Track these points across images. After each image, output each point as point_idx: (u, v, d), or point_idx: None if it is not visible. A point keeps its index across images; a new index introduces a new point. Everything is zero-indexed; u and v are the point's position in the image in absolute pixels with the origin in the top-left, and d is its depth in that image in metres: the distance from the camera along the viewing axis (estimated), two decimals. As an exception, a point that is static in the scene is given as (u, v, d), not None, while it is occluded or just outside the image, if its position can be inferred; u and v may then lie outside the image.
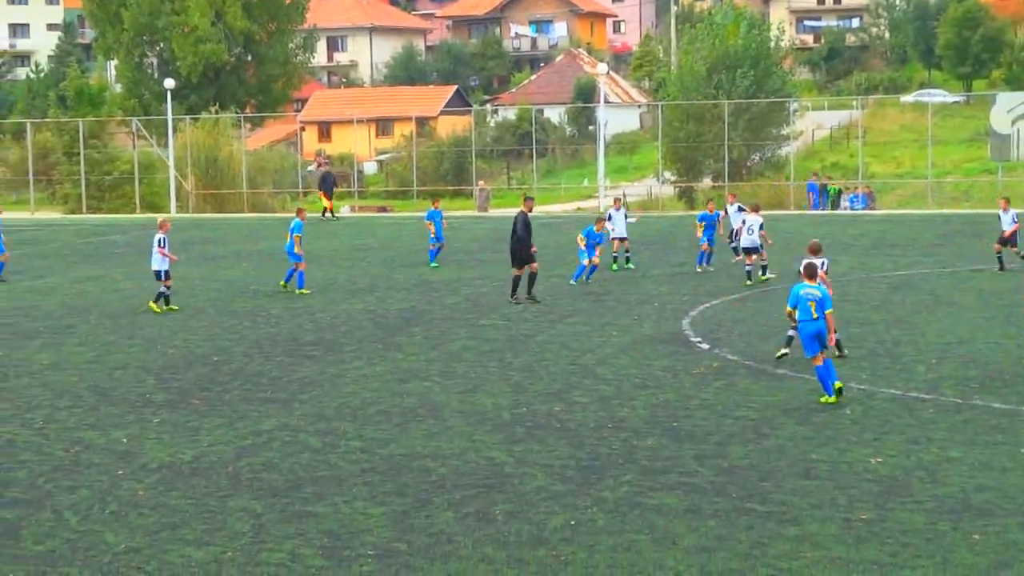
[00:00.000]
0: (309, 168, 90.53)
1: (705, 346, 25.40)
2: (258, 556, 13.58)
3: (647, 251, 42.48)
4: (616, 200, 42.52)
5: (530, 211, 32.29)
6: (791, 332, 23.32)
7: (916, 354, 24.13)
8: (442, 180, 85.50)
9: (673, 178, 76.97)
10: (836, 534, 13.91)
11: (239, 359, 24.91)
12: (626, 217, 40.03)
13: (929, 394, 20.71)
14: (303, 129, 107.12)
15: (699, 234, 37.93)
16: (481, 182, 74.73)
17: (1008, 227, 36.86)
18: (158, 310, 31.20)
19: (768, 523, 14.31)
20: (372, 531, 14.32)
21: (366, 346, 26.12)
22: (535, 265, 31.63)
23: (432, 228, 40.55)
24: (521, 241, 31.18)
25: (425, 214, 42.58)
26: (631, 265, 38.52)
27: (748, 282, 34.32)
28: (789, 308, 20.79)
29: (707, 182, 75.85)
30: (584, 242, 35.38)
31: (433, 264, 40.10)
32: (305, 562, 13.41)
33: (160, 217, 36.85)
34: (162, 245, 31.39)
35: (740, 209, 38.36)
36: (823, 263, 24.17)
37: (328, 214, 61.02)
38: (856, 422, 18.94)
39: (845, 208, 66.53)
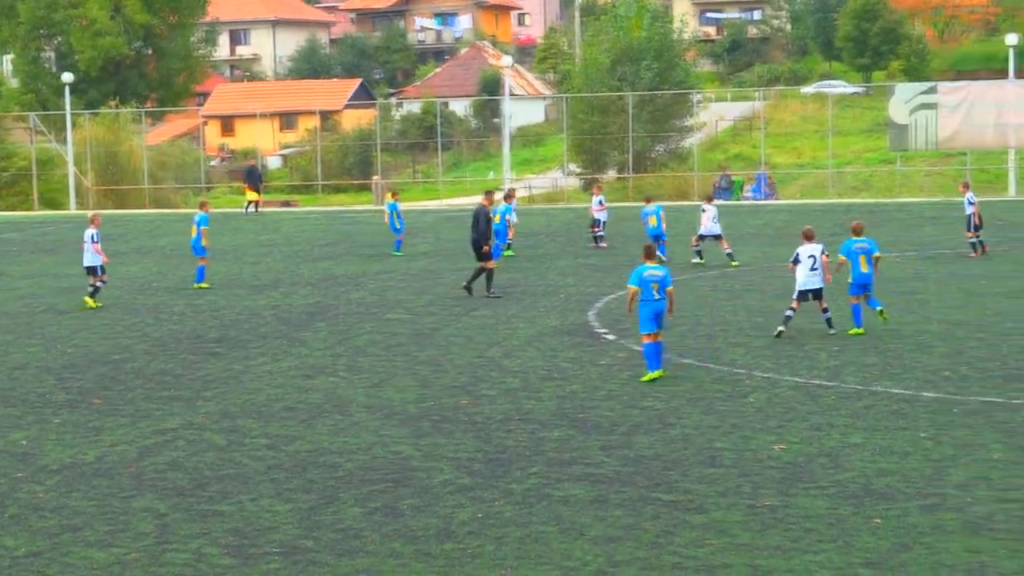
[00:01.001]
0: (212, 162, 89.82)
1: (611, 337, 25.51)
2: (163, 557, 13.46)
3: (553, 243, 42.60)
4: (510, 192, 42.89)
5: (490, 205, 32.23)
6: (790, 312, 24.85)
7: (818, 341, 24.39)
8: (347, 174, 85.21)
9: (578, 170, 77.21)
10: (741, 521, 14.03)
11: (141, 357, 24.67)
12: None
13: (831, 381, 20.95)
14: (205, 123, 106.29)
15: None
16: (376, 176, 74.45)
17: (968, 210, 37.55)
18: (93, 304, 31.00)
19: (674, 512, 14.41)
20: (278, 528, 14.25)
21: (271, 342, 25.98)
22: (491, 263, 31.37)
23: (388, 219, 41.61)
24: (482, 236, 31.03)
25: (385, 206, 43.41)
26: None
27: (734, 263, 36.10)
28: (631, 287, 21.26)
29: (612, 174, 76.19)
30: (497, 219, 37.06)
31: (397, 252, 40.87)
32: (211, 561, 13.31)
33: (91, 212, 36.50)
34: (95, 240, 31.33)
35: (600, 202, 41.05)
36: (821, 249, 25.13)
37: (252, 207, 60.76)
38: (760, 410, 19.11)
39: (747, 198, 67.05)
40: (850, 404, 19.34)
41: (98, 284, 31.54)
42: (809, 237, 25.35)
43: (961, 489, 14.93)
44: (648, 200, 37.90)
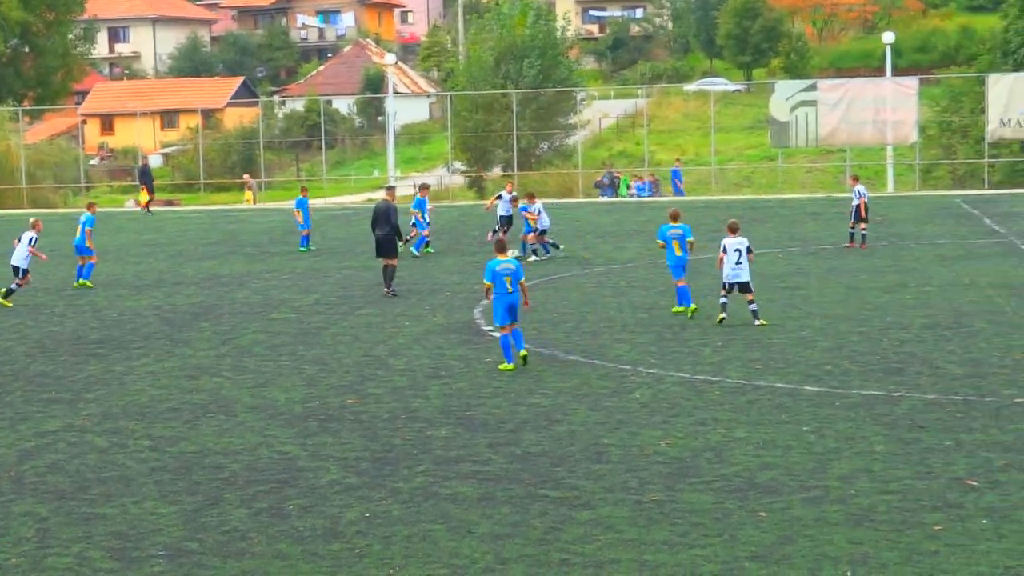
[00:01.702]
0: (92, 161, 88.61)
1: (497, 335, 25.49)
2: (44, 561, 13.25)
3: (438, 241, 42.53)
4: (423, 188, 42.89)
5: (393, 200, 32.08)
6: (724, 299, 25.69)
7: (702, 337, 24.60)
8: (230, 173, 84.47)
9: (463, 168, 77.27)
10: (628, 516, 14.10)
11: (21, 359, 24.28)
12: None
13: (716, 376, 21.14)
14: (84, 122, 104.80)
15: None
16: (246, 176, 73.90)
17: (857, 202, 38.22)
18: (8, 304, 30.88)
19: (561, 508, 14.45)
20: (163, 531, 14.08)
21: (154, 343, 25.68)
22: (394, 261, 31.15)
23: (300, 216, 41.76)
24: (395, 231, 30.76)
25: (294, 202, 43.45)
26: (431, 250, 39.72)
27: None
28: (486, 282, 21.91)
29: (497, 171, 76.35)
30: (419, 214, 38.51)
31: (303, 249, 41.14)
32: (93, 565, 13.12)
33: (32, 217, 36.42)
34: (32, 244, 31.50)
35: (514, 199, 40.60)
36: (747, 243, 25.95)
37: (146, 208, 60.15)
38: (646, 405, 19.24)
39: (632, 195, 67.45)
40: (734, 399, 19.53)
41: (16, 286, 31.35)
42: (734, 230, 26.03)
43: (844, 481, 15.13)
44: (531, 197, 37.72)
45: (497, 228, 40.43)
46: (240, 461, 16.78)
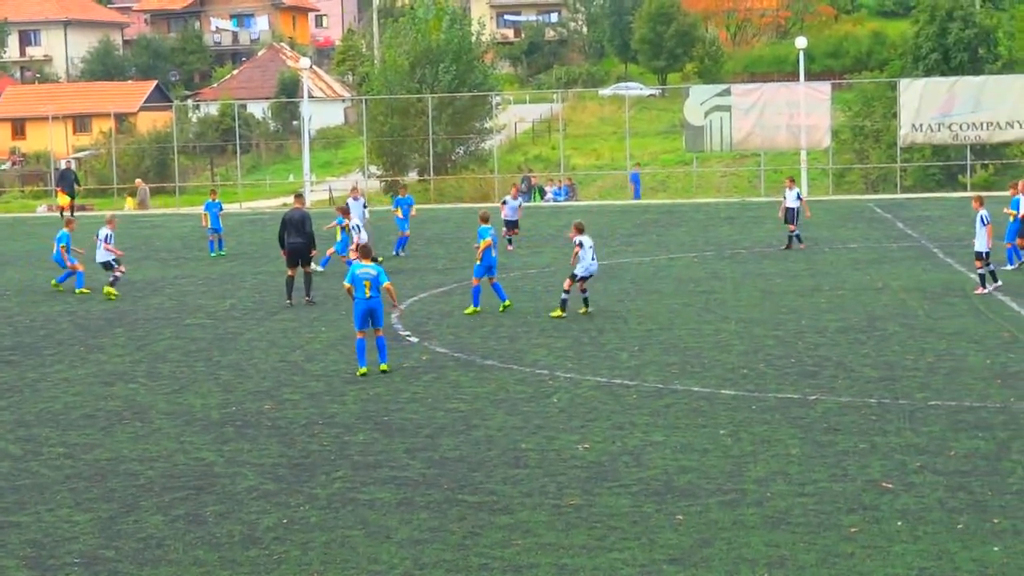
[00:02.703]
0: (3, 166, 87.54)
1: (414, 340, 25.51)
2: (-43, 570, 13.08)
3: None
4: (353, 189, 42.95)
5: (303, 207, 31.91)
6: (566, 295, 27.36)
7: (619, 342, 24.71)
8: (143, 177, 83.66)
9: (379, 172, 77.12)
10: (546, 520, 14.13)
11: (-68, 366, 23.94)
12: (364, 207, 40.73)
13: (633, 380, 21.23)
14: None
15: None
16: (139, 180, 73.24)
17: (792, 204, 38.63)
18: (116, 294, 32.14)
19: (480, 513, 14.46)
20: (78, 539, 13.94)
21: (67, 349, 25.41)
22: (311, 267, 30.89)
23: (208, 219, 41.66)
24: (310, 240, 30.40)
25: (203, 206, 43.39)
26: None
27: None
28: (346, 284, 22.20)
29: (413, 176, 76.26)
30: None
31: (213, 254, 41.10)
32: (8, 574, 12.96)
33: (108, 213, 38.86)
34: (108, 241, 32.79)
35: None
36: (585, 242, 27.38)
37: (66, 212, 59.31)
38: (563, 410, 19.28)
39: (548, 200, 67.60)
40: (651, 403, 19.62)
41: (118, 275, 32.79)
42: (581, 229, 27.68)
43: (760, 484, 15.25)
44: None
45: (506, 232, 40.70)
46: (156, 468, 16.65)
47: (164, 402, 20.51)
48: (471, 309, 28.45)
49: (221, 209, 42.70)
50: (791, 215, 39.11)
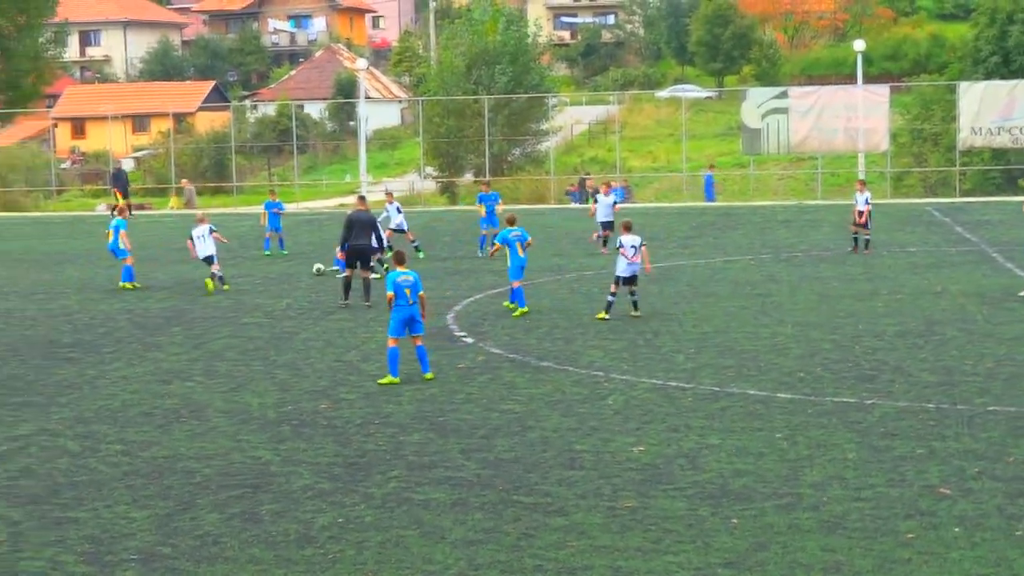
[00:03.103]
0: (63, 165, 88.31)
1: (469, 340, 25.54)
2: (16, 565, 13.19)
3: (410, 246, 42.47)
4: (388, 194, 43.02)
5: (367, 209, 31.76)
6: (610, 298, 27.44)
7: (675, 344, 24.64)
8: (201, 177, 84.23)
9: (435, 173, 77.24)
10: (601, 523, 14.11)
11: (-8, 363, 24.18)
12: (399, 211, 40.79)
13: (688, 383, 21.17)
14: (55, 125, 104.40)
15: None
16: (185, 180, 73.60)
17: (863, 207, 38.54)
18: (227, 287, 33.60)
19: (534, 514, 14.45)
20: (135, 535, 14.04)
21: (126, 347, 25.60)
22: (371, 274, 30.74)
23: (266, 217, 42.17)
24: (380, 243, 30.34)
25: (262, 205, 43.49)
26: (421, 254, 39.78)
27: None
28: (389, 294, 21.60)
29: (468, 177, 76.34)
30: (485, 209, 39.89)
31: (267, 252, 41.67)
32: (66, 569, 13.07)
33: (200, 212, 40.35)
34: (214, 230, 34.21)
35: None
36: (641, 240, 27.70)
37: (120, 211, 59.77)
38: (618, 412, 19.25)
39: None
40: (707, 406, 19.56)
41: (216, 271, 33.90)
42: (628, 228, 27.74)
43: (816, 488, 15.17)
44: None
45: (600, 234, 40.38)
46: (212, 466, 16.75)
47: (221, 400, 20.62)
48: (519, 311, 28.44)
49: (282, 209, 42.90)
50: (861, 217, 38.80)
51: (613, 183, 68.62)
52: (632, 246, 27.36)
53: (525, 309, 28.47)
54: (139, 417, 19.61)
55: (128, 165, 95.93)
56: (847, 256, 37.97)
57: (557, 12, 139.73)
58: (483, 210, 40.37)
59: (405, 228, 40.32)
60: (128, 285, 34.24)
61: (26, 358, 24.58)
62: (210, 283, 33.54)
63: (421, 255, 39.29)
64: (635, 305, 27.65)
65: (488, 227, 39.98)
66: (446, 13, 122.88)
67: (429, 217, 57.17)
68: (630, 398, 20.19)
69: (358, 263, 30.21)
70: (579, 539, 13.61)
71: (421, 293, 21.59)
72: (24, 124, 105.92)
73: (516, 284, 28.53)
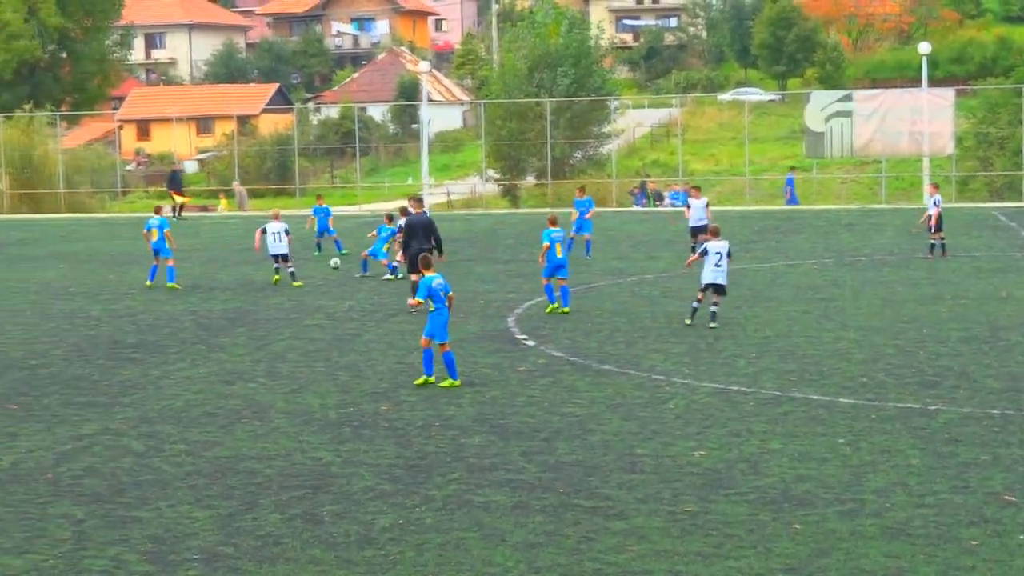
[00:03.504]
0: (128, 167, 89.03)
1: (531, 343, 25.54)
2: (80, 563, 13.31)
3: (472, 249, 42.60)
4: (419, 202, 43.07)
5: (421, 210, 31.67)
6: (696, 304, 26.88)
7: (737, 348, 24.55)
8: (264, 179, 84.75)
9: (496, 176, 77.32)
10: (661, 527, 14.08)
11: (58, 362, 24.40)
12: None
13: (750, 387, 21.08)
14: (121, 127, 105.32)
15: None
16: (236, 182, 73.93)
17: (932, 211, 38.40)
18: (299, 284, 34.84)
19: (595, 518, 14.43)
20: (198, 535, 14.13)
21: (189, 347, 25.78)
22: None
23: (315, 223, 42.44)
24: (439, 245, 30.30)
25: (311, 210, 43.58)
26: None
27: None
28: (419, 299, 21.61)
29: (530, 180, 76.38)
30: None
31: (316, 254, 41.90)
32: (129, 568, 13.17)
33: (272, 210, 41.36)
34: (289, 233, 35.35)
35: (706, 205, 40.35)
36: (727, 247, 26.77)
37: (177, 212, 60.28)
38: (679, 416, 19.20)
39: (666, 205, 67.37)
40: (769, 410, 19.47)
41: (292, 270, 35.31)
42: (716, 234, 27.07)
43: (879, 495, 15.06)
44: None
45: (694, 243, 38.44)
46: (274, 466, 16.83)
47: (283, 401, 20.73)
48: (549, 307, 29.09)
49: (329, 214, 43.02)
50: (931, 221, 38.51)
51: (675, 187, 68.44)
52: (717, 252, 26.53)
53: (555, 305, 29.11)
54: (202, 417, 19.75)
55: (192, 167, 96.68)
56: (911, 260, 37.71)
57: (620, 14, 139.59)
58: (576, 214, 40.40)
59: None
60: (173, 285, 34.62)
61: (91, 358, 24.80)
62: (277, 276, 34.98)
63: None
64: (713, 316, 26.67)
65: (579, 232, 39.99)
66: (508, 16, 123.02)
67: (491, 220, 57.23)
68: (691, 402, 20.13)
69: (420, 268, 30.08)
70: (639, 543, 13.58)
71: (451, 294, 21.73)
72: (90, 126, 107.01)
73: (563, 282, 29.05)
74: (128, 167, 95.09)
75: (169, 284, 34.67)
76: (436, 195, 74.65)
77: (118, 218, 65.85)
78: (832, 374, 22.04)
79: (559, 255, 28.64)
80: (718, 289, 26.73)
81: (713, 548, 13.37)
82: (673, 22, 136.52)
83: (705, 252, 26.77)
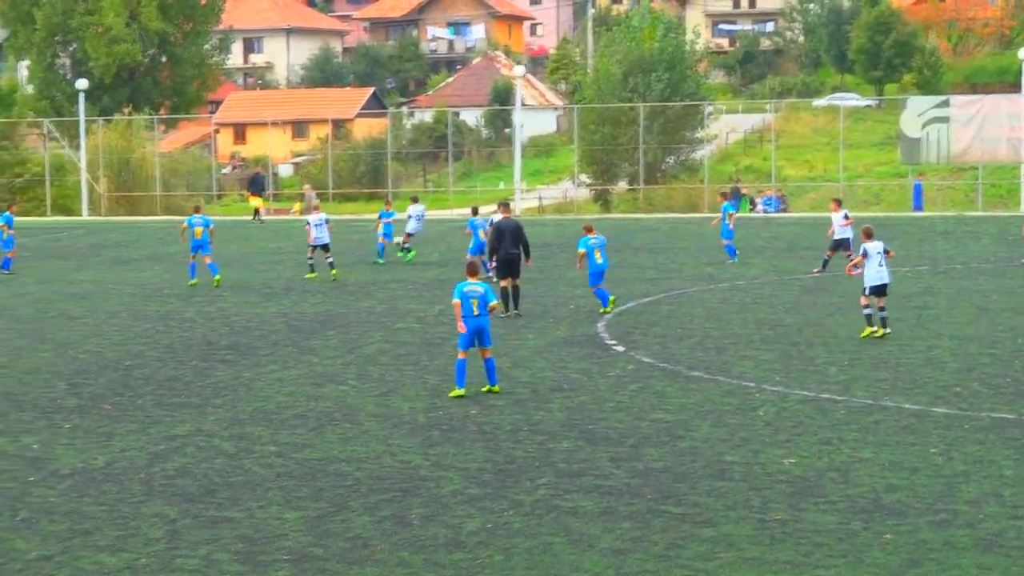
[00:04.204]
0: (224, 170, 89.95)
1: (620, 349, 25.50)
2: (173, 562, 13.47)
3: (563, 254, 42.55)
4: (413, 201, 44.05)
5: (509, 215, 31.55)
6: (868, 310, 26.12)
7: (828, 356, 24.35)
8: (358, 183, 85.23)
9: (589, 181, 77.20)
10: (750, 535, 14.00)
11: (152, 363, 24.70)
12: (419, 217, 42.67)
13: (841, 395, 20.91)
14: (218, 131, 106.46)
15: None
16: (307, 186, 74.20)
17: None
18: (335, 272, 37.35)
19: (683, 524, 14.39)
20: (288, 536, 14.25)
21: (281, 349, 25.99)
22: (518, 279, 30.46)
23: (382, 226, 41.84)
24: (527, 250, 30.28)
25: (377, 214, 43.31)
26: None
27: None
28: (455, 300, 21.39)
29: (623, 185, 76.19)
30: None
31: (380, 261, 41.67)
32: (221, 568, 13.32)
33: (315, 201, 44.86)
34: (329, 221, 37.78)
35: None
36: (870, 249, 25.98)
37: (257, 216, 60.75)
38: (769, 424, 19.08)
39: (759, 211, 66.95)
40: (860, 419, 19.30)
41: (331, 260, 37.48)
42: (869, 234, 26.33)
43: (972, 506, 14.89)
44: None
45: (828, 256, 36.86)
46: (364, 469, 16.93)
47: (373, 404, 20.84)
48: (609, 306, 29.87)
49: (394, 217, 43.11)
50: None
51: (767, 192, 67.91)
52: (877, 252, 25.92)
53: (612, 299, 30.09)
54: (293, 419, 19.91)
55: (287, 170, 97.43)
56: (1007, 268, 37.21)
57: (716, 19, 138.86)
58: (720, 220, 40.63)
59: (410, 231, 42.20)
60: (216, 279, 36.14)
61: (184, 360, 25.08)
62: (336, 272, 37.06)
63: (409, 257, 41.67)
64: (884, 322, 25.97)
65: (728, 238, 40.14)
66: (604, 20, 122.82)
67: (583, 225, 57.07)
68: (781, 409, 20.00)
69: (509, 272, 30.04)
70: (728, 551, 13.52)
71: (492, 304, 21.38)
72: (188, 129, 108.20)
73: (594, 289, 29.97)
74: (224, 171, 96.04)
75: (216, 277, 36.19)
76: (528, 200, 74.67)
77: (214, 221, 66.38)
78: (925, 383, 21.80)
79: (599, 260, 29.55)
80: (881, 290, 26.00)
81: (803, 557, 13.29)
82: (770, 27, 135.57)
83: (865, 254, 26.04)
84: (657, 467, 16.77)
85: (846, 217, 37.04)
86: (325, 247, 37.37)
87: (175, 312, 31.47)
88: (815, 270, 36.81)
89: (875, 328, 25.96)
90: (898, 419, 19.24)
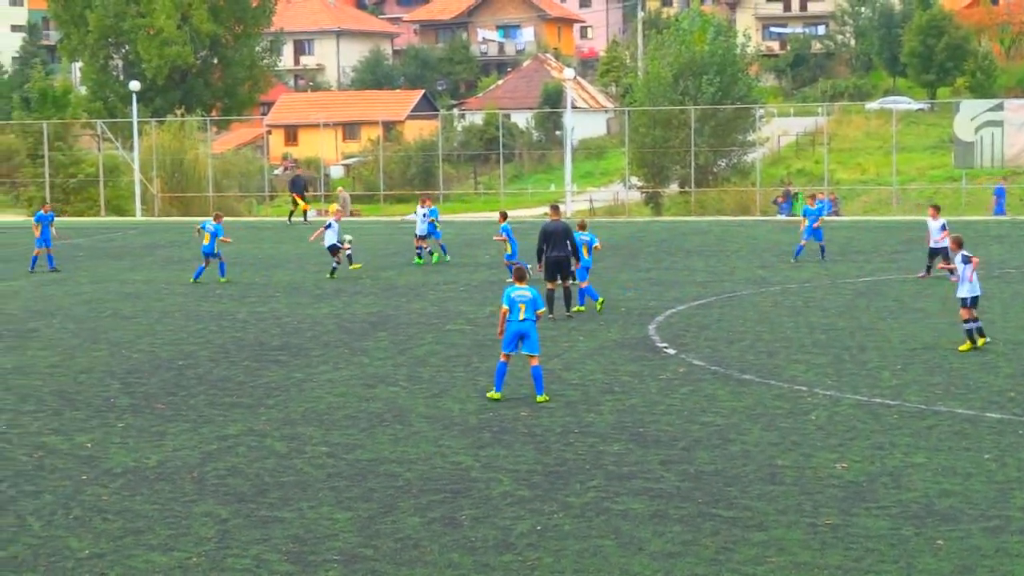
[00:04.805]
0: (275, 172, 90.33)
1: (671, 351, 25.44)
2: (224, 562, 13.54)
3: (614, 256, 42.54)
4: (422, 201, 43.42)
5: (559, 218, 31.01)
6: (969, 324, 25.05)
7: (881, 360, 24.22)
8: (409, 184, 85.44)
9: (640, 183, 77.12)
10: (801, 539, 13.95)
11: (204, 364, 24.84)
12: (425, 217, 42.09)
13: (894, 400, 20.79)
14: (269, 133, 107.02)
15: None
16: (340, 188, 74.24)
17: None
18: (357, 266, 39.47)
19: (734, 528, 14.34)
20: (338, 536, 14.29)
21: (332, 351, 26.08)
22: (570, 281, 30.16)
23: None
24: (574, 252, 30.10)
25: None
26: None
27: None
28: (504, 307, 21.19)
29: (674, 188, 76.08)
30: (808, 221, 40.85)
31: (419, 262, 41.89)
32: (271, 568, 13.37)
33: (336, 201, 46.18)
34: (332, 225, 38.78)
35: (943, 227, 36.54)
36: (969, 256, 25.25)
37: (295, 218, 60.81)
38: (821, 428, 19.00)
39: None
40: (913, 424, 19.19)
41: (349, 254, 38.95)
42: (960, 244, 25.91)
43: (1025, 511, 14.78)
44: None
45: (930, 263, 35.94)
46: (414, 470, 16.96)
47: (423, 406, 20.88)
48: (599, 304, 30.63)
49: (436, 215, 43.02)
50: None
51: (820, 195, 67.60)
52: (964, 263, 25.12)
53: (601, 299, 30.71)
54: (344, 420, 19.97)
55: (338, 172, 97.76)
56: (1063, 273, 36.88)
57: (766, 22, 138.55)
58: (805, 221, 41.14)
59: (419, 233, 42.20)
60: (226, 279, 37.41)
61: (236, 360, 25.20)
62: (357, 265, 39.03)
63: (418, 263, 41.79)
64: (980, 332, 25.13)
65: (810, 238, 40.55)
66: (654, 23, 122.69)
67: (634, 228, 57.10)
68: (833, 414, 19.90)
69: (557, 275, 29.87)
70: (779, 555, 13.47)
71: (540, 311, 21.31)
72: (239, 131, 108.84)
73: (583, 285, 30.50)
74: (275, 172, 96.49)
75: (222, 279, 37.38)
76: (579, 202, 74.64)
77: (265, 222, 66.78)
78: (979, 388, 21.65)
79: (585, 256, 30.30)
80: (975, 302, 25.16)
81: (854, 562, 13.22)
82: (821, 30, 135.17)
83: (966, 261, 25.10)
84: (708, 470, 16.73)
85: (943, 228, 35.78)
86: (331, 249, 38.40)
87: (228, 312, 31.63)
88: (920, 274, 36.31)
89: (976, 340, 25.06)
90: (951, 424, 19.11)
